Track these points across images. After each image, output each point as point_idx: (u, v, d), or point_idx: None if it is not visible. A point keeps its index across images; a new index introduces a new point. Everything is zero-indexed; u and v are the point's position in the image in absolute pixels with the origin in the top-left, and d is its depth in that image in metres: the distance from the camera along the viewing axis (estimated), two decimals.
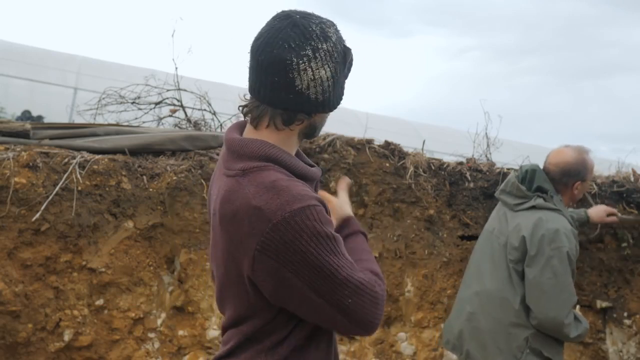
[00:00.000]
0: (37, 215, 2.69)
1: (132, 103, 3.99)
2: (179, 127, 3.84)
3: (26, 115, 7.25)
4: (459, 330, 2.52)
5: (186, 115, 3.93)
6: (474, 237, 3.36)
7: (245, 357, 1.26)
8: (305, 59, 1.16)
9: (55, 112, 6.91)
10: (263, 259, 1.14)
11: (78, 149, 2.96)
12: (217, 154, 3.16)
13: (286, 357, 1.24)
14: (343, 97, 1.27)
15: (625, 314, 3.30)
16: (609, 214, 2.95)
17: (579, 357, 3.35)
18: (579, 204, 3.24)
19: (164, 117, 4.04)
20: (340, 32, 1.25)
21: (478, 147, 3.86)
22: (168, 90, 3.99)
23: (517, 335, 2.36)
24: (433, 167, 3.46)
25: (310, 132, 1.29)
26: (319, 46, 1.17)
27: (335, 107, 1.26)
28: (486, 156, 3.82)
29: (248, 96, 1.26)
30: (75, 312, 2.78)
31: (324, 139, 3.37)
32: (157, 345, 2.92)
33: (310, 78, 1.16)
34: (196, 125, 3.82)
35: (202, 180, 3.01)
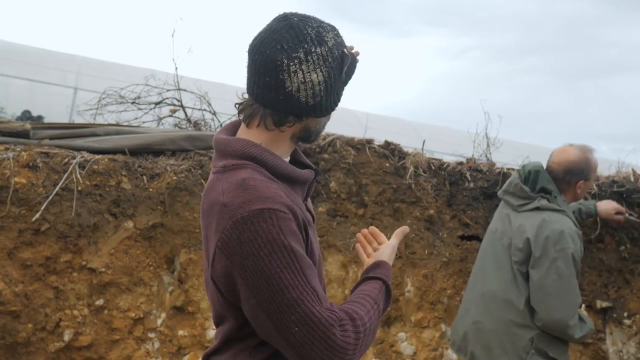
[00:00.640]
0: (37, 215, 2.69)
1: (132, 103, 3.98)
2: (179, 127, 3.84)
3: (26, 115, 7.25)
4: (464, 332, 2.52)
5: (186, 115, 3.92)
6: (474, 237, 3.37)
7: (230, 355, 1.24)
8: (296, 61, 1.15)
9: (55, 112, 6.91)
10: (220, 257, 1.13)
11: (78, 149, 2.96)
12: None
13: (270, 356, 1.22)
14: (338, 103, 1.25)
15: (625, 314, 3.30)
16: (618, 212, 2.94)
17: (579, 357, 3.35)
18: None
19: (164, 117, 4.03)
20: (342, 38, 1.23)
21: (478, 147, 3.86)
22: (168, 90, 3.99)
23: (522, 336, 2.36)
24: (433, 167, 3.46)
25: (305, 135, 1.27)
26: (312, 50, 1.16)
27: (327, 113, 1.23)
28: (486, 156, 3.82)
29: (247, 95, 1.27)
30: (75, 312, 2.78)
31: (324, 139, 3.38)
32: (157, 345, 2.92)
33: (301, 81, 1.16)
34: (196, 125, 3.82)
35: (202, 180, 3.02)
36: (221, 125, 3.87)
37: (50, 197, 2.72)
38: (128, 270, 2.87)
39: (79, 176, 2.79)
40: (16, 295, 2.67)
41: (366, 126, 4.11)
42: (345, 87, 1.27)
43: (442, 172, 3.46)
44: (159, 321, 2.94)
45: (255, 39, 1.22)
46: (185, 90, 4.00)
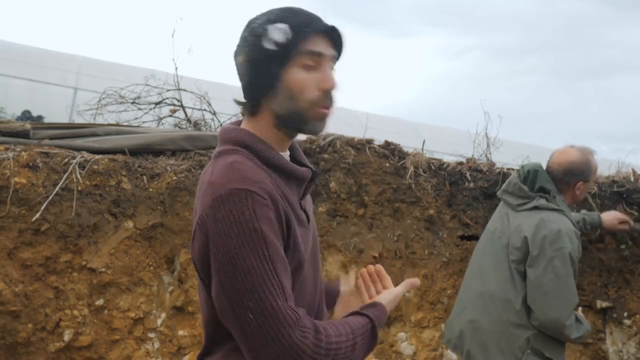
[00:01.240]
0: (37, 215, 2.69)
1: (132, 103, 3.99)
2: (179, 127, 3.84)
3: (26, 115, 7.24)
4: (460, 330, 2.52)
5: (186, 115, 3.93)
6: (474, 237, 3.36)
7: (221, 355, 1.23)
8: (235, 50, 1.25)
9: (55, 112, 6.91)
10: (199, 234, 1.13)
11: (78, 149, 2.96)
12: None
13: None
14: (272, 78, 1.20)
15: (625, 314, 3.30)
16: (622, 222, 2.94)
17: (579, 357, 3.35)
18: (580, 206, 3.24)
19: (164, 117, 4.04)
20: (282, 15, 1.20)
21: (478, 147, 3.86)
22: (168, 90, 4.00)
23: (519, 336, 2.36)
24: (433, 167, 3.46)
25: (280, 122, 1.23)
26: (242, 35, 1.24)
27: (261, 91, 1.21)
28: (486, 156, 3.82)
29: None
30: (75, 312, 2.78)
31: (324, 139, 3.37)
32: (157, 345, 2.92)
33: (236, 66, 1.25)
34: (196, 125, 3.83)
35: None
36: (221, 125, 3.87)
37: (50, 197, 2.72)
38: (128, 270, 2.87)
39: (79, 176, 2.79)
40: (16, 295, 2.67)
41: (366, 126, 4.11)
42: (288, 61, 1.19)
43: (442, 172, 3.46)
44: (159, 321, 2.94)
45: None
46: (185, 90, 4.00)
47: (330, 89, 1.23)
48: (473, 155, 3.77)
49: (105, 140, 3.07)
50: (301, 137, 3.44)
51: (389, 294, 1.35)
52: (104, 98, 3.96)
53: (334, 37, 1.24)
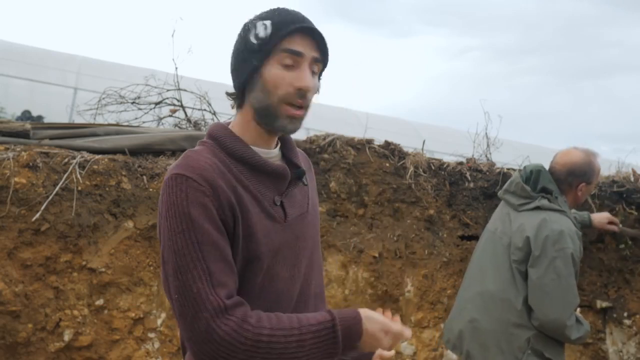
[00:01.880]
0: (37, 215, 2.69)
1: (132, 103, 3.99)
2: (179, 127, 3.84)
3: (26, 115, 7.25)
4: (460, 330, 2.52)
5: (186, 115, 3.93)
6: (474, 237, 3.36)
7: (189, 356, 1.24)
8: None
9: (55, 112, 6.91)
10: (158, 215, 1.22)
11: (78, 149, 2.96)
12: None
13: None
14: (247, 70, 1.24)
15: (625, 314, 3.30)
16: (610, 222, 2.96)
17: (579, 357, 3.35)
18: (580, 207, 3.25)
19: (164, 117, 4.03)
20: (270, 13, 1.25)
21: (478, 147, 3.86)
22: (168, 90, 3.99)
23: (519, 336, 2.36)
24: (433, 167, 3.46)
25: (256, 116, 1.26)
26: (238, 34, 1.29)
27: (239, 82, 1.27)
28: (486, 156, 3.82)
29: None
30: (75, 312, 2.78)
31: (324, 139, 3.37)
32: (157, 345, 2.92)
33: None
34: (196, 125, 3.82)
35: None
36: None
37: (50, 197, 2.72)
38: (128, 270, 2.87)
39: (79, 176, 2.79)
40: (16, 295, 2.67)
41: (366, 126, 4.11)
42: (267, 54, 1.22)
43: (442, 172, 3.46)
44: (159, 321, 2.94)
45: None
46: (185, 90, 4.00)
47: (302, 88, 1.22)
48: (473, 155, 3.77)
49: (105, 140, 3.07)
50: (301, 136, 3.44)
51: (376, 315, 1.21)
52: (104, 98, 3.96)
53: (316, 39, 1.25)
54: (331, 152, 3.33)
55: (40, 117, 7.14)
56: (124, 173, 2.91)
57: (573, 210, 2.93)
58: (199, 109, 3.99)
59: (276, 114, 1.24)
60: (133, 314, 2.87)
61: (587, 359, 3.35)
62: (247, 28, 1.26)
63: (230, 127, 1.31)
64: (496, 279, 2.45)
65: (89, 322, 2.80)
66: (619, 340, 3.31)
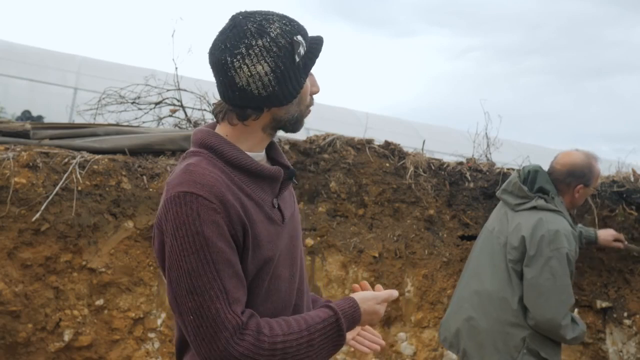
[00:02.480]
0: (37, 215, 2.69)
1: (132, 103, 3.98)
2: (179, 127, 3.84)
3: (26, 115, 7.25)
4: (457, 329, 2.53)
5: (186, 115, 3.92)
6: (474, 237, 3.36)
7: (190, 356, 1.25)
8: (239, 57, 1.18)
9: (55, 112, 6.91)
10: (157, 232, 1.19)
11: (78, 149, 2.96)
12: None
13: None
14: (299, 89, 1.24)
15: (625, 314, 3.29)
16: (616, 239, 2.98)
17: (579, 357, 3.35)
18: (580, 207, 3.25)
19: (164, 117, 4.03)
20: (293, 25, 1.23)
21: (478, 147, 3.86)
22: (168, 90, 3.99)
23: (515, 335, 2.37)
24: (433, 167, 3.46)
25: (279, 125, 1.28)
26: (253, 43, 1.18)
27: (287, 101, 1.23)
28: (486, 156, 3.82)
29: None
30: (75, 312, 2.78)
31: (324, 139, 3.38)
32: (157, 345, 2.92)
33: (248, 75, 1.18)
34: (196, 125, 3.82)
35: None
36: None
37: (50, 197, 2.72)
38: (128, 270, 2.87)
39: (79, 176, 2.79)
40: (16, 295, 2.67)
41: (366, 126, 4.11)
42: (307, 72, 1.26)
43: (442, 172, 3.46)
44: (159, 321, 2.94)
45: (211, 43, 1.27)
46: (185, 90, 4.00)
47: (318, 92, 1.31)
48: (473, 155, 3.77)
49: (105, 140, 3.07)
50: (301, 137, 3.44)
51: (367, 293, 1.35)
52: (104, 98, 3.95)
53: None
54: (331, 152, 3.33)
55: (40, 117, 7.14)
56: (124, 173, 2.91)
57: (580, 225, 2.95)
58: (199, 109, 3.99)
59: (302, 121, 1.30)
60: (133, 314, 2.87)
61: (587, 359, 3.35)
62: (289, 44, 1.20)
63: (221, 133, 1.27)
64: (493, 278, 2.46)
65: (89, 322, 2.80)
66: (619, 340, 3.31)
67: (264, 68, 1.18)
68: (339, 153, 3.34)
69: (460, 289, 2.64)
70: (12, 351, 2.68)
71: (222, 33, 1.23)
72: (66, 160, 2.82)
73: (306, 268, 1.48)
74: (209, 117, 3.92)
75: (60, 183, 2.74)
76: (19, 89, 8.31)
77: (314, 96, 1.32)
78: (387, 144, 3.49)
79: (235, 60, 1.18)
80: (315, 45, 1.26)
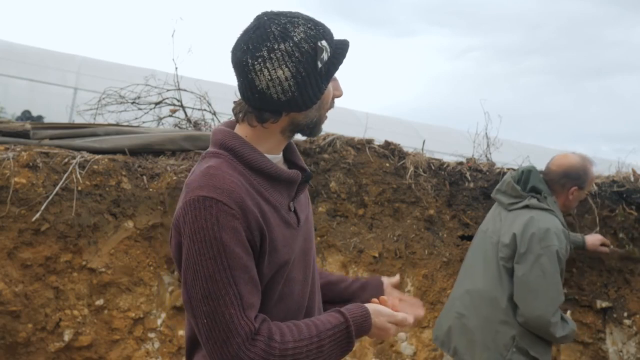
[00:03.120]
0: (37, 215, 2.69)
1: (132, 103, 3.99)
2: (179, 127, 3.84)
3: (26, 115, 7.25)
4: (448, 327, 2.56)
5: (186, 115, 3.93)
6: None
7: (201, 356, 1.25)
8: (260, 59, 1.17)
9: (55, 112, 6.91)
10: (174, 233, 1.19)
11: (78, 149, 2.96)
12: None
13: None
14: (320, 95, 1.23)
15: (625, 314, 3.29)
16: (603, 244, 3.01)
17: (579, 357, 3.35)
18: (579, 206, 3.25)
19: (164, 117, 4.03)
20: (318, 30, 1.21)
21: (478, 147, 3.86)
22: (168, 90, 3.99)
23: (504, 333, 2.39)
24: (433, 167, 3.46)
25: (298, 129, 1.28)
26: (275, 47, 1.16)
27: (306, 107, 1.22)
28: (486, 156, 3.82)
29: None
30: (75, 312, 2.78)
31: (324, 139, 3.37)
32: (157, 345, 2.92)
33: (268, 78, 1.17)
34: (196, 125, 3.83)
35: None
36: None
37: (50, 197, 2.72)
38: (128, 270, 2.87)
39: (79, 176, 2.79)
40: (16, 295, 2.67)
41: (366, 126, 4.11)
42: (330, 77, 1.24)
43: (442, 172, 3.46)
44: (159, 321, 2.94)
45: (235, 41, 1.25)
46: (185, 90, 4.00)
47: (340, 96, 1.30)
48: (473, 155, 3.77)
49: (105, 140, 3.07)
50: (301, 136, 3.43)
51: (383, 308, 1.31)
52: (104, 98, 3.96)
53: None
54: (331, 152, 3.33)
55: (40, 117, 7.14)
56: (124, 173, 2.91)
57: (571, 234, 2.98)
58: (199, 109, 3.99)
59: (320, 125, 1.29)
60: (133, 314, 2.87)
61: (587, 359, 3.35)
62: (313, 49, 1.18)
63: (241, 134, 1.26)
64: (484, 277, 2.49)
65: (89, 322, 2.80)
66: (619, 340, 3.31)
67: (285, 73, 1.17)
68: (339, 153, 3.34)
69: (454, 288, 2.67)
70: (12, 351, 2.68)
71: (246, 33, 1.21)
72: (66, 160, 2.82)
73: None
74: (209, 117, 3.93)
75: (60, 183, 2.74)
76: (19, 89, 8.30)
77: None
78: (387, 144, 3.49)
79: (256, 63, 1.17)
80: (340, 50, 1.24)
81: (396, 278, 1.64)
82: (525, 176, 2.53)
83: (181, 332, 2.97)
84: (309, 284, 1.35)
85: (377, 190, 3.35)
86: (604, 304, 3.32)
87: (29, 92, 8.34)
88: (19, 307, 2.67)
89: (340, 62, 1.24)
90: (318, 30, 1.20)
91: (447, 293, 3.33)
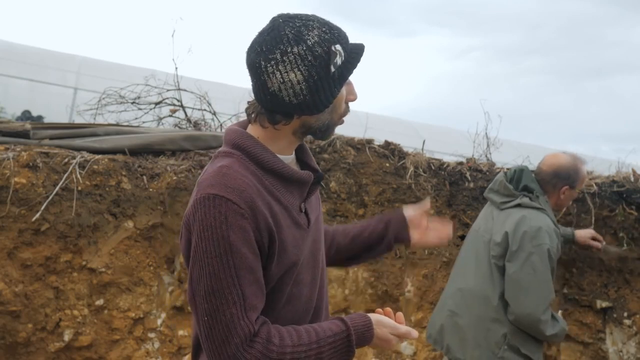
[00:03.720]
0: (37, 215, 2.69)
1: (132, 103, 3.99)
2: (179, 127, 3.84)
3: (26, 115, 7.24)
4: (440, 325, 2.57)
5: (186, 115, 3.93)
6: None
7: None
8: (273, 62, 1.17)
9: (55, 112, 6.91)
10: (184, 231, 1.20)
11: (78, 149, 2.96)
12: None
13: None
14: (332, 99, 1.22)
15: (625, 314, 3.29)
16: (594, 238, 3.00)
17: (579, 357, 3.35)
18: (578, 207, 3.24)
19: (164, 117, 4.04)
20: (333, 34, 1.20)
21: (478, 147, 3.86)
22: (168, 90, 4.00)
23: (496, 331, 2.40)
24: (433, 167, 3.46)
25: (309, 132, 1.28)
26: (288, 50, 1.16)
27: (318, 110, 1.21)
28: (486, 156, 3.82)
29: None
30: (75, 312, 2.78)
31: None
32: (157, 345, 2.92)
33: (280, 81, 1.17)
34: (196, 125, 3.83)
35: None
36: (221, 125, 3.88)
37: (50, 197, 2.72)
38: (128, 270, 2.87)
39: (79, 176, 2.79)
40: (16, 295, 2.67)
41: (366, 126, 4.11)
42: (343, 82, 1.24)
43: (442, 172, 3.47)
44: (159, 321, 2.94)
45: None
46: (185, 90, 4.00)
47: (354, 101, 1.29)
48: (473, 155, 3.77)
49: (105, 140, 3.07)
50: None
51: (386, 319, 1.30)
52: (104, 98, 3.96)
53: None
54: (331, 152, 3.33)
55: (40, 117, 7.14)
56: (124, 173, 2.91)
57: (561, 228, 2.98)
58: (199, 109, 3.99)
59: (333, 129, 1.29)
60: (133, 314, 2.87)
61: (587, 359, 3.35)
62: (321, 54, 1.17)
63: (253, 134, 1.26)
64: (476, 276, 2.50)
65: (89, 322, 2.80)
66: (619, 340, 3.31)
67: (297, 76, 1.17)
68: (339, 153, 3.34)
69: (446, 287, 2.69)
70: (12, 351, 2.68)
71: (260, 35, 1.21)
72: (66, 160, 2.82)
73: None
74: (209, 117, 3.93)
75: (60, 183, 2.74)
76: (19, 89, 8.30)
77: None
78: (387, 144, 3.49)
79: (269, 65, 1.17)
80: (354, 54, 1.24)
81: (425, 204, 1.62)
82: (517, 175, 2.55)
83: (181, 332, 2.97)
84: (318, 286, 1.35)
85: (377, 190, 3.35)
86: (604, 304, 3.32)
87: (29, 92, 8.34)
88: (19, 307, 2.67)
89: (354, 67, 1.24)
90: (333, 34, 1.20)
91: None
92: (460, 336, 2.48)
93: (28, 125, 3.04)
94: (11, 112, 7.01)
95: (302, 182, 1.28)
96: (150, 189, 2.93)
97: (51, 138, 3.02)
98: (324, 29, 1.20)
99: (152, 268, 2.92)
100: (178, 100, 3.96)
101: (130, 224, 2.89)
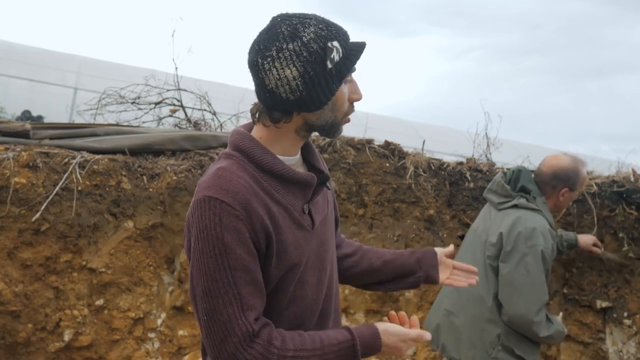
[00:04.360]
0: (37, 215, 2.69)
1: (132, 103, 3.99)
2: (179, 127, 3.84)
3: (26, 115, 7.25)
4: (437, 324, 2.58)
5: (186, 115, 3.93)
6: None
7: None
8: (269, 59, 1.18)
9: (55, 112, 6.91)
10: (186, 231, 1.22)
11: (78, 149, 2.96)
12: (217, 154, 3.16)
13: None
14: (331, 95, 1.22)
15: (625, 314, 3.29)
16: (595, 244, 3.04)
17: (579, 357, 3.35)
18: (579, 207, 3.24)
19: (164, 117, 4.04)
20: (330, 30, 1.20)
21: (478, 147, 3.86)
22: (168, 90, 4.00)
23: (490, 332, 2.41)
24: (433, 167, 3.46)
25: (311, 129, 1.28)
26: (284, 46, 1.17)
27: (316, 107, 1.21)
28: (486, 156, 3.82)
29: None
30: (75, 312, 2.78)
31: (324, 138, 3.37)
32: (157, 345, 2.92)
33: (277, 77, 1.18)
34: (196, 125, 3.83)
35: None
36: (221, 125, 3.88)
37: (50, 197, 2.72)
38: (128, 270, 2.87)
39: (79, 176, 2.79)
40: (16, 295, 2.67)
41: (366, 126, 4.10)
42: (342, 78, 1.23)
43: (442, 172, 3.46)
44: (159, 321, 2.94)
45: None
46: (185, 90, 4.00)
47: (359, 100, 1.29)
48: (473, 155, 3.77)
49: (105, 140, 3.07)
50: None
51: (395, 327, 1.32)
52: (104, 98, 3.96)
53: None
54: (331, 152, 3.33)
55: (40, 117, 7.14)
56: (124, 173, 2.91)
57: (560, 229, 2.99)
58: (199, 109, 3.99)
59: (339, 127, 1.29)
60: (133, 314, 2.87)
61: (587, 359, 3.35)
62: (316, 50, 1.17)
63: (255, 136, 1.27)
64: None
65: (89, 322, 2.80)
66: (619, 340, 3.31)
67: (292, 72, 1.17)
68: (339, 153, 3.34)
69: (443, 287, 2.68)
70: (12, 351, 2.68)
71: (260, 34, 1.23)
72: (66, 160, 2.82)
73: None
74: (209, 117, 3.93)
75: (60, 183, 2.74)
76: (19, 89, 8.30)
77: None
78: (387, 144, 3.49)
79: (265, 62, 1.18)
80: (354, 52, 1.24)
81: (450, 248, 1.67)
82: (515, 176, 2.55)
83: (181, 332, 2.97)
84: (324, 287, 1.35)
85: (377, 190, 3.35)
86: (604, 304, 3.32)
87: (29, 92, 8.34)
88: (19, 307, 2.67)
89: (353, 63, 1.23)
90: (330, 31, 1.20)
91: None
92: (456, 336, 2.49)
93: (28, 125, 3.04)
94: (11, 112, 7.01)
95: (304, 183, 1.28)
96: (150, 189, 2.94)
97: (51, 138, 3.02)
98: (320, 26, 1.20)
99: (152, 268, 2.92)
100: (178, 100, 3.97)
101: (130, 224, 2.89)
